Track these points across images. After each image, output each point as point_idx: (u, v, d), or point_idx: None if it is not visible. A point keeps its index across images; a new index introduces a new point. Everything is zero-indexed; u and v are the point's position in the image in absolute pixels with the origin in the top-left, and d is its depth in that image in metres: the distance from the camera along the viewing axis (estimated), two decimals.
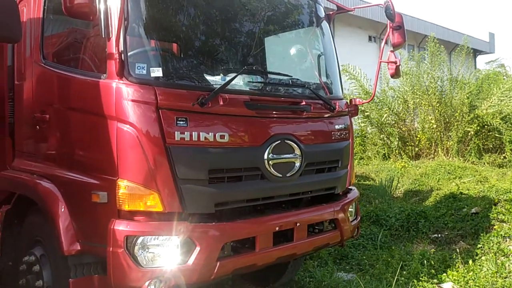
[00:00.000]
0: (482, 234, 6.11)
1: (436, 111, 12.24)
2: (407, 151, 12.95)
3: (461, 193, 8.13)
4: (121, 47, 3.04)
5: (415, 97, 12.63)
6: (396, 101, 13.24)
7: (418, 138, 12.68)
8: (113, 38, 3.04)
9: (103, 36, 3.09)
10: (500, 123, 11.62)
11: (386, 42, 4.50)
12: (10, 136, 4.18)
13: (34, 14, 3.85)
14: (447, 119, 12.28)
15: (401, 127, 13.15)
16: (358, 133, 13.99)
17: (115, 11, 3.06)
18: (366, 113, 13.12)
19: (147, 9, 3.28)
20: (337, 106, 4.18)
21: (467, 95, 12.14)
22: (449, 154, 12.17)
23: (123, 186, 3.06)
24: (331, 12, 4.77)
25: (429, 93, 12.29)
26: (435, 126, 12.34)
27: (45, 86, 3.74)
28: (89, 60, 3.51)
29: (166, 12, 3.47)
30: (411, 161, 12.34)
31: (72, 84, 3.50)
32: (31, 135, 3.91)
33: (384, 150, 13.24)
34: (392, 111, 12.99)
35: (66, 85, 3.57)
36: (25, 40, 3.91)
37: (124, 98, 3.07)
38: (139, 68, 3.12)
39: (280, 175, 3.65)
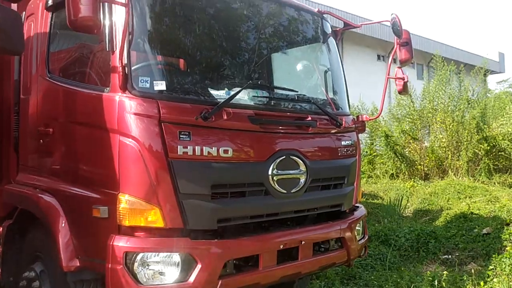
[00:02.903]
0: (494, 256, 5.95)
1: (448, 130, 12.12)
2: (416, 170, 12.80)
3: (471, 213, 7.98)
4: (125, 61, 3.02)
5: (426, 115, 12.53)
6: (405, 119, 13.16)
7: (428, 158, 12.53)
8: (117, 52, 3.02)
9: (107, 50, 3.08)
10: (508, 145, 11.47)
11: (393, 59, 4.46)
12: (14, 150, 4.17)
13: (41, 29, 3.87)
14: (458, 138, 12.15)
15: (411, 146, 13.03)
16: (366, 152, 13.89)
17: (119, 24, 3.05)
18: (375, 131, 13.05)
19: (151, 23, 3.27)
20: (343, 122, 4.13)
21: (478, 115, 12.03)
22: (458, 174, 12.01)
23: (124, 200, 3.01)
24: (338, 28, 4.76)
25: (440, 111, 12.19)
26: (445, 145, 12.20)
27: (50, 100, 3.74)
28: (93, 74, 3.50)
29: (170, 26, 3.47)
30: (420, 180, 12.18)
31: (76, 97, 3.49)
32: (34, 149, 3.89)
33: (392, 170, 13.10)
34: (402, 129, 12.90)
35: (69, 98, 3.56)
36: (32, 55, 3.94)
37: (127, 112, 3.05)
38: (142, 81, 3.09)
39: (285, 191, 3.58)
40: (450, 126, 12.15)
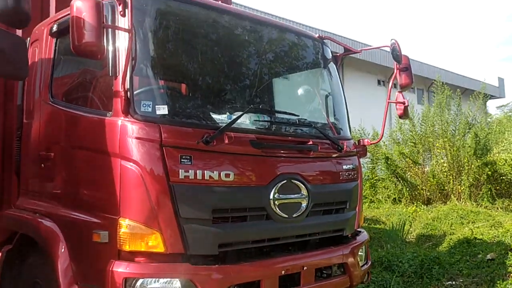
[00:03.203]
0: (498, 282, 5.86)
1: (448, 155, 12.11)
2: (418, 194, 12.73)
3: (475, 238, 7.89)
4: (127, 85, 3.05)
5: (427, 140, 12.53)
6: (406, 143, 13.15)
7: (429, 183, 12.47)
8: (120, 76, 3.06)
9: (110, 75, 3.12)
10: (510, 171, 11.42)
11: (394, 84, 4.50)
12: (15, 175, 4.17)
13: (45, 54, 3.92)
14: (458, 163, 12.11)
15: (412, 170, 12.99)
16: (367, 176, 13.84)
17: (122, 50, 3.10)
18: (376, 154, 13.04)
19: (153, 48, 3.32)
20: (345, 146, 4.13)
21: (478, 140, 12.01)
22: (461, 199, 11.93)
23: (125, 225, 3.00)
24: (338, 54, 4.81)
25: (440, 136, 12.19)
26: (446, 169, 12.17)
27: (52, 124, 3.76)
28: (95, 99, 3.53)
29: (172, 51, 3.51)
30: (422, 205, 12.10)
31: (78, 122, 3.51)
32: (35, 174, 3.89)
33: (395, 195, 13.03)
34: (403, 154, 12.87)
35: (72, 123, 3.58)
36: (35, 80, 3.98)
37: (129, 136, 3.06)
38: (144, 105, 3.12)
39: (286, 216, 3.56)
40: (450, 151, 12.13)
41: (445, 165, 12.25)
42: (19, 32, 4.30)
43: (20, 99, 4.19)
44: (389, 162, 12.68)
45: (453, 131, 12.56)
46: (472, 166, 11.62)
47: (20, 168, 4.11)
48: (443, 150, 12.22)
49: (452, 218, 10.07)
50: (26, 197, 3.99)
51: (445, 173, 12.29)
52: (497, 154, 11.81)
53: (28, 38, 4.20)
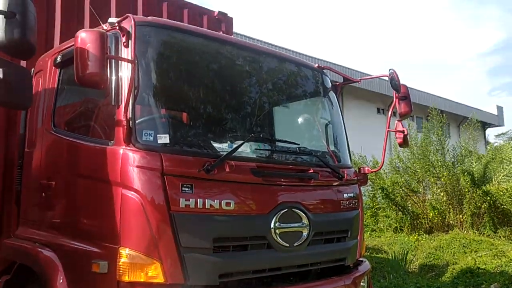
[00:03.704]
0: None
1: (448, 185, 12.06)
2: (420, 223, 12.62)
3: (478, 268, 7.80)
4: (130, 114, 3.08)
5: (423, 171, 12.49)
6: (406, 172, 13.11)
7: (431, 213, 12.38)
8: (122, 106, 3.10)
9: (113, 104, 3.16)
10: (508, 202, 11.35)
11: (393, 112, 4.53)
12: (15, 204, 4.16)
13: (49, 84, 3.97)
14: (458, 192, 12.05)
15: (413, 198, 12.92)
16: (368, 204, 13.75)
17: (125, 80, 3.14)
18: (377, 184, 12.97)
19: (155, 78, 3.37)
20: (345, 175, 4.14)
21: (480, 169, 11.98)
22: (463, 227, 11.82)
23: (125, 254, 2.97)
24: (337, 83, 4.87)
25: (435, 167, 12.16)
26: (445, 199, 12.10)
27: (54, 153, 3.78)
28: (97, 128, 3.56)
29: (174, 80, 3.56)
30: (424, 234, 11.99)
31: (80, 150, 3.53)
32: (36, 203, 3.88)
33: (396, 224, 12.93)
34: (402, 183, 12.82)
35: (74, 151, 3.60)
36: (38, 109, 4.02)
37: (130, 164, 3.07)
38: (146, 134, 3.14)
39: (287, 245, 3.53)
40: (449, 181, 12.08)
41: (441, 194, 12.18)
42: (23, 63, 4.41)
43: (22, 128, 4.22)
44: (385, 192, 12.63)
45: (449, 161, 12.55)
46: (474, 195, 11.56)
47: (20, 197, 4.10)
48: (442, 180, 12.17)
49: (454, 247, 9.98)
50: (25, 226, 3.97)
51: (444, 203, 12.22)
52: (496, 184, 11.75)
53: (33, 69, 4.27)
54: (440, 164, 12.26)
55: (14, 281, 3.83)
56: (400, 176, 12.86)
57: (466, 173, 11.66)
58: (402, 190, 12.74)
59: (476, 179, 11.74)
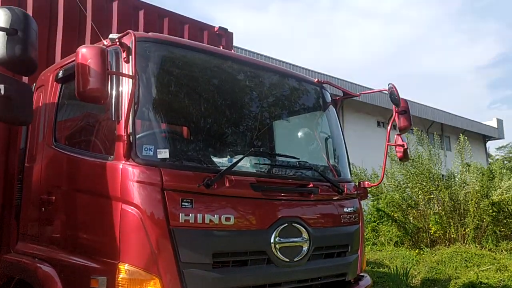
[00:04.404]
0: None
1: (447, 199, 12.02)
2: (421, 237, 12.55)
3: (480, 282, 7.74)
4: (130, 129, 3.10)
5: (423, 185, 12.45)
6: (406, 185, 13.07)
7: (433, 227, 12.31)
8: (122, 121, 3.11)
9: (113, 119, 3.17)
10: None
11: (392, 126, 4.55)
12: (15, 219, 4.15)
13: (50, 99, 4.00)
14: (458, 207, 12.01)
15: (414, 212, 12.86)
16: (369, 219, 13.69)
17: (125, 95, 3.16)
18: (377, 198, 12.94)
19: (155, 93, 3.39)
20: (345, 189, 4.13)
21: (482, 183, 11.96)
22: (465, 241, 11.76)
23: (124, 270, 2.96)
24: (337, 97, 4.89)
25: (435, 180, 12.13)
26: (443, 213, 12.05)
27: (54, 168, 3.78)
28: (97, 142, 3.57)
29: (174, 96, 3.58)
30: (426, 248, 11.92)
31: (80, 165, 3.54)
32: (36, 218, 3.88)
33: (397, 238, 12.86)
34: (400, 199, 12.76)
35: (74, 166, 3.60)
36: (39, 124, 4.04)
37: (130, 179, 3.07)
38: (146, 149, 3.15)
39: (287, 260, 3.52)
40: (450, 196, 12.04)
41: (440, 209, 12.13)
42: (25, 79, 4.44)
43: (23, 142, 4.23)
44: (380, 213, 12.60)
45: (453, 173, 12.53)
46: (478, 207, 11.51)
47: (20, 212, 4.09)
48: (441, 195, 12.14)
49: (456, 261, 9.91)
50: (25, 241, 3.95)
51: (446, 217, 12.16)
52: (499, 196, 11.72)
53: (34, 84, 4.30)
54: (440, 178, 12.24)
55: None
56: (401, 191, 12.79)
57: (471, 186, 11.64)
58: (401, 206, 12.69)
59: (479, 192, 11.71)
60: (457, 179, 12.50)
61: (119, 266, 2.97)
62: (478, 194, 11.62)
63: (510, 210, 11.37)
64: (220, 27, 6.29)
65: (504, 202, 11.54)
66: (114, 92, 3.20)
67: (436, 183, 12.19)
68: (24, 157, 4.16)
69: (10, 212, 4.21)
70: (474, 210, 11.59)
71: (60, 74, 3.88)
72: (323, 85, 4.71)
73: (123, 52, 3.23)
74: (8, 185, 4.31)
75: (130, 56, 3.15)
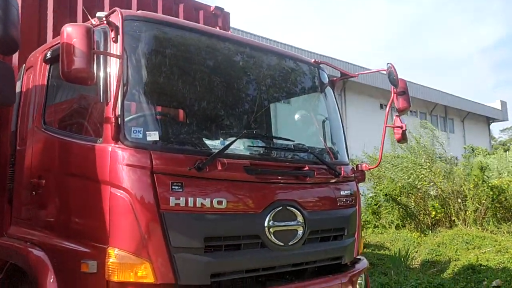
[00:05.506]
0: None
1: (449, 181, 11.96)
2: (422, 220, 12.53)
3: (480, 264, 7.72)
4: (118, 111, 3.01)
5: (425, 166, 12.38)
6: (406, 167, 12.98)
7: (433, 211, 12.28)
8: (111, 102, 3.02)
9: (101, 101, 3.09)
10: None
11: (391, 107, 4.44)
12: (8, 203, 4.10)
13: (39, 81, 3.91)
14: (461, 188, 11.95)
15: (415, 195, 12.80)
16: (370, 201, 13.66)
17: (113, 76, 3.07)
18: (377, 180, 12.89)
19: (144, 73, 3.28)
20: (342, 172, 4.05)
21: (482, 165, 11.89)
22: (466, 223, 11.73)
23: (114, 254, 2.91)
24: (335, 78, 4.78)
25: (435, 162, 12.06)
26: (443, 197, 12.00)
27: (44, 151, 3.71)
28: (86, 125, 3.50)
29: (163, 76, 3.47)
30: (428, 230, 11.91)
31: (69, 148, 3.47)
32: (27, 201, 3.83)
33: (398, 220, 12.83)
34: (403, 178, 12.70)
35: (63, 149, 3.54)
36: (29, 106, 3.96)
37: (119, 163, 3.00)
38: (135, 132, 3.06)
39: (282, 244, 3.46)
40: (451, 178, 11.98)
41: (441, 191, 12.09)
42: (15, 59, 4.35)
43: (14, 125, 4.16)
44: (388, 196, 12.57)
45: (456, 156, 12.46)
46: (478, 190, 11.46)
47: (12, 196, 4.05)
48: (439, 179, 12.07)
49: (457, 244, 9.91)
50: (18, 225, 3.91)
51: (447, 199, 12.13)
52: (499, 178, 11.66)
53: (23, 65, 4.21)
54: (429, 165, 12.17)
55: (7, 281, 3.78)
56: (402, 172, 12.72)
57: (472, 168, 11.57)
58: (404, 188, 12.64)
59: (480, 174, 11.65)
60: (458, 163, 12.44)
61: (109, 251, 2.93)
62: (476, 178, 11.54)
63: (509, 193, 11.30)
64: (216, 7, 6.15)
65: (503, 185, 11.47)
66: (102, 73, 3.11)
67: (439, 165, 12.12)
68: (16, 140, 4.09)
69: (3, 196, 4.16)
70: (473, 193, 11.53)
71: (49, 55, 3.78)
72: (320, 65, 4.60)
73: (111, 32, 3.12)
74: (1, 169, 4.26)
75: (119, 36, 3.04)
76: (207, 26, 3.98)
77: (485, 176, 11.63)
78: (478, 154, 12.23)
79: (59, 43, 3.64)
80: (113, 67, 3.09)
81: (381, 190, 12.88)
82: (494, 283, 6.58)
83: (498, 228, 11.53)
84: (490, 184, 11.53)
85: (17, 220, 3.95)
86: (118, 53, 2.99)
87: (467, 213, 11.72)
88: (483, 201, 11.48)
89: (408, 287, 6.73)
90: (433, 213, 12.12)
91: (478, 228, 11.45)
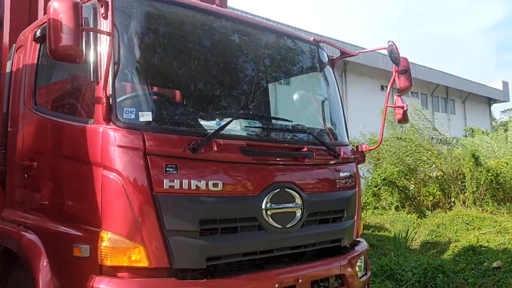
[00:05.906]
0: None
1: (449, 163, 11.89)
2: (422, 201, 12.51)
3: (480, 245, 7.70)
4: (109, 91, 2.90)
5: (420, 150, 12.30)
6: (405, 149, 12.90)
7: (431, 196, 12.25)
8: (102, 82, 2.92)
9: (92, 80, 2.99)
10: (509, 176, 11.18)
11: (392, 87, 4.32)
12: (2, 185, 4.03)
13: (29, 60, 3.79)
14: (459, 170, 11.90)
15: (415, 177, 12.75)
16: (370, 183, 13.61)
17: (103, 54, 2.96)
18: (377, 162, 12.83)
19: (136, 52, 3.15)
20: (341, 153, 3.96)
21: (478, 148, 11.82)
22: (466, 204, 11.70)
23: (107, 238, 2.84)
24: (334, 57, 4.65)
25: (434, 144, 11.98)
26: (444, 178, 11.94)
27: (35, 133, 3.62)
28: (77, 106, 3.39)
29: (156, 55, 3.35)
30: (427, 211, 11.89)
31: (60, 130, 3.37)
32: (20, 184, 3.76)
33: (397, 202, 12.81)
34: (402, 160, 12.62)
35: (54, 131, 3.44)
36: (20, 87, 3.85)
37: (111, 144, 2.91)
38: (127, 112, 2.96)
39: (280, 226, 3.39)
40: (450, 160, 11.91)
41: (439, 173, 12.03)
42: (6, 38, 4.23)
43: (5, 106, 4.06)
44: (386, 180, 12.52)
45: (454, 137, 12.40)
46: (476, 173, 11.40)
47: (5, 179, 3.97)
48: (439, 161, 12.00)
49: (457, 225, 9.88)
50: (11, 208, 3.85)
51: (447, 180, 12.08)
52: (496, 160, 11.60)
53: (14, 45, 4.08)
54: (428, 146, 12.09)
55: (0, 266, 3.73)
56: (402, 153, 12.64)
57: (468, 151, 11.49)
58: (402, 173, 12.58)
59: (478, 156, 11.58)
60: (458, 144, 12.36)
61: (102, 234, 2.86)
62: (473, 161, 11.47)
63: (505, 174, 11.24)
64: None
65: (499, 167, 11.41)
66: (92, 51, 2.99)
67: (438, 146, 12.05)
68: (7, 121, 3.99)
69: None
70: (471, 175, 11.46)
71: (38, 33, 3.65)
72: (320, 44, 4.46)
73: (101, 7, 2.98)
74: None
75: (109, 12, 2.91)
76: (203, 3, 3.82)
77: (480, 159, 11.55)
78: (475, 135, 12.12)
79: None
80: (104, 45, 2.98)
81: (379, 175, 12.82)
82: (494, 264, 6.56)
83: (497, 209, 11.50)
84: (485, 167, 11.46)
85: (10, 203, 3.88)
86: (108, 30, 2.87)
87: (466, 194, 11.68)
88: (482, 183, 11.44)
89: (408, 269, 6.69)
90: (431, 197, 12.10)
91: (478, 209, 11.41)
